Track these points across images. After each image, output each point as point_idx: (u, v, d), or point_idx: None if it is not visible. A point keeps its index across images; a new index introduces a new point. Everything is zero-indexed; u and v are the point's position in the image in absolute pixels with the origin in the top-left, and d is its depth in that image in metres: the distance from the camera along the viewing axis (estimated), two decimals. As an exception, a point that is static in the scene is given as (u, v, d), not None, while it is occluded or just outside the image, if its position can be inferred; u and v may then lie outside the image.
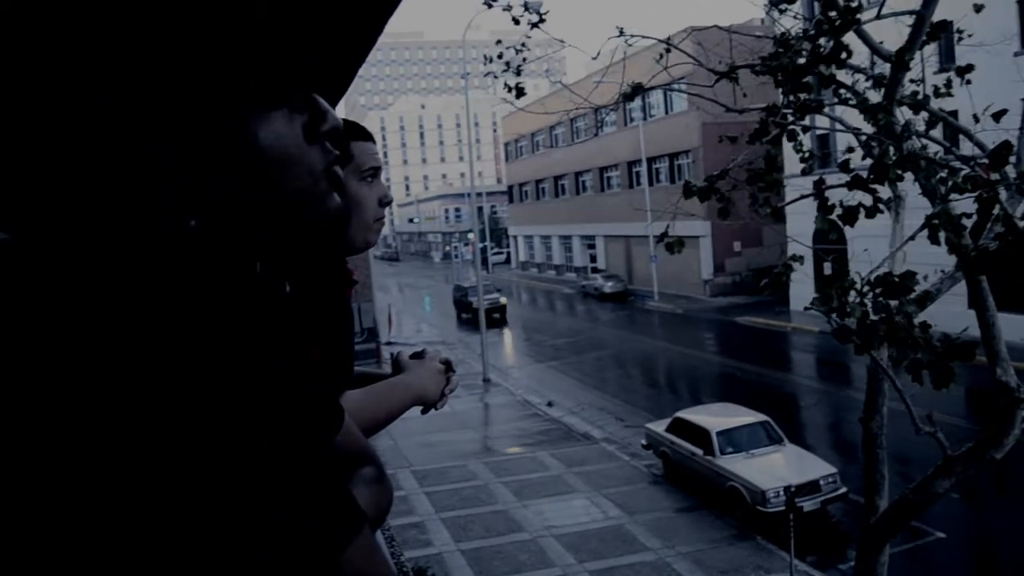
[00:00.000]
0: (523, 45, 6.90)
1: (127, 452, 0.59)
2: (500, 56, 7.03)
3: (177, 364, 0.62)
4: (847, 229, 5.38)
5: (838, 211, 5.26)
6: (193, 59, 0.69)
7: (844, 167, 5.15)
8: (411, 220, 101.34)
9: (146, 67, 0.67)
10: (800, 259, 5.42)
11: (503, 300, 38.47)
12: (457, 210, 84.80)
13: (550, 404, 22.06)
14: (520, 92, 7.00)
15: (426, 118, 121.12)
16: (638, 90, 6.52)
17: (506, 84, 6.87)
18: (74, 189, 0.68)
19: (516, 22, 6.68)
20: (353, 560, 0.68)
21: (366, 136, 1.67)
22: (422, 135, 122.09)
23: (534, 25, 6.61)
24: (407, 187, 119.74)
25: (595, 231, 47.50)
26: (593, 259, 48.32)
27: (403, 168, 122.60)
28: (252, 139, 0.73)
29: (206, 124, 0.70)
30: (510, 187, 62.15)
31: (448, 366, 1.76)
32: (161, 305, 0.64)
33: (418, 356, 1.78)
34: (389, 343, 35.28)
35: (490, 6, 6.71)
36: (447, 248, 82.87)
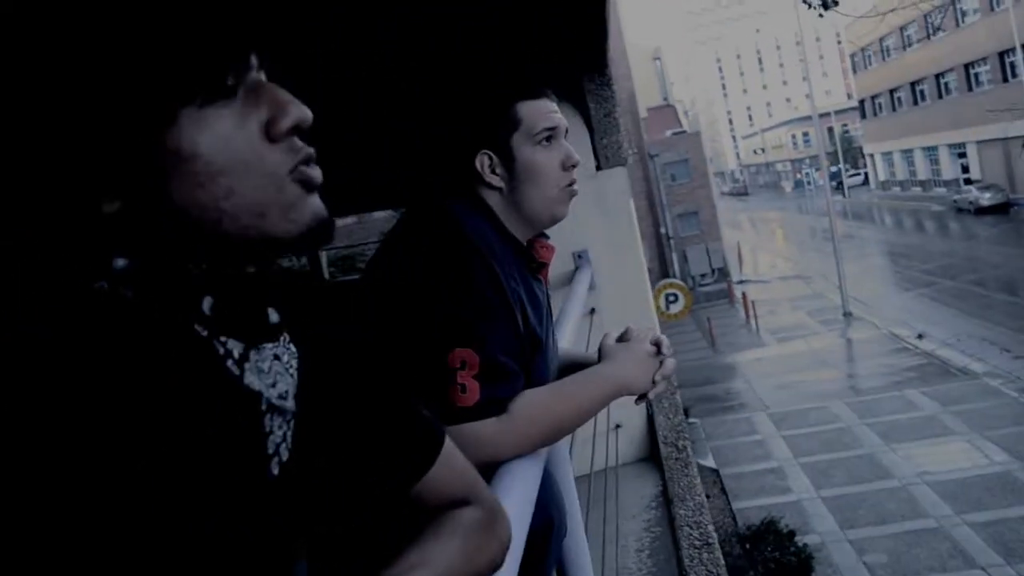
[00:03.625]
0: None
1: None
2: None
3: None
4: None
5: None
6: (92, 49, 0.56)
7: None
8: (756, 151, 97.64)
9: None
10: None
11: None
12: (805, 134, 79.95)
13: (921, 336, 20.04)
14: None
15: (762, 42, 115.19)
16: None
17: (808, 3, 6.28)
18: None
19: None
20: None
21: (536, 94, 1.48)
22: (760, 60, 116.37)
23: None
24: (749, 117, 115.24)
25: (965, 137, 42.12)
26: (965, 169, 43.02)
27: (743, 98, 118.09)
28: (187, 146, 0.60)
29: (120, 134, 0.58)
30: (861, 101, 57.21)
31: (659, 348, 1.52)
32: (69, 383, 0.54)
33: (625, 338, 1.54)
34: (741, 282, 34.49)
35: None
36: (797, 176, 78.88)
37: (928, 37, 42.04)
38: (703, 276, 37.16)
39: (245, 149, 0.63)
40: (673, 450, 4.54)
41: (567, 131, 1.53)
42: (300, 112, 0.66)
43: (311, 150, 0.67)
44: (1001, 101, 33.90)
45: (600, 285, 4.53)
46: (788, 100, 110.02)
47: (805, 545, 9.57)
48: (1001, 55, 36.93)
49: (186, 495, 0.58)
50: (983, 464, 12.32)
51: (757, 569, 9.19)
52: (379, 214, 9.20)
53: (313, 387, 0.73)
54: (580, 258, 4.48)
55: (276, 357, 0.70)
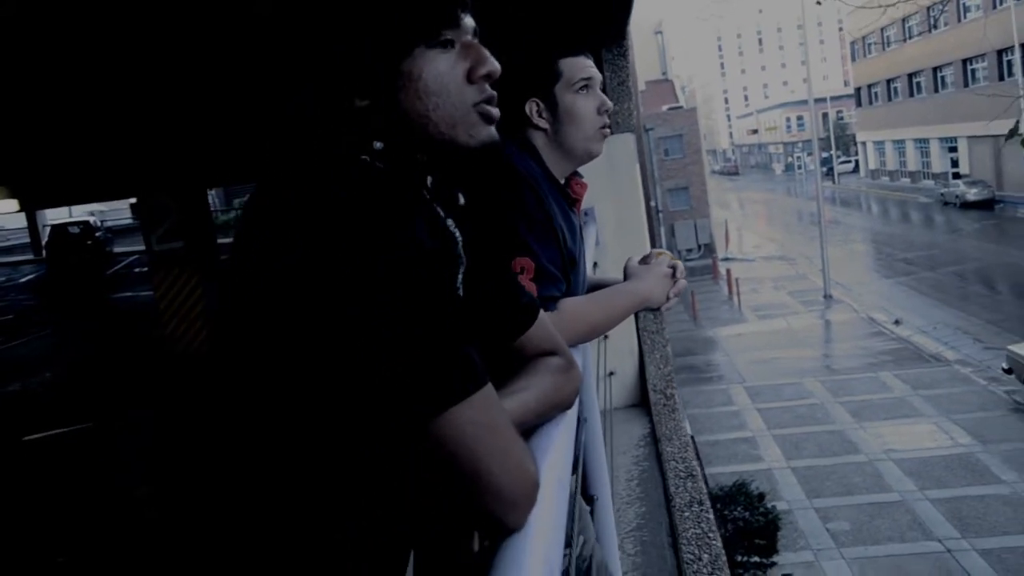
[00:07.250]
0: None
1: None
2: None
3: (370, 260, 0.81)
4: None
5: None
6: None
7: None
8: (749, 132, 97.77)
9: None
10: None
11: None
12: (799, 118, 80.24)
13: (897, 322, 20.62)
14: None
15: (763, 23, 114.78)
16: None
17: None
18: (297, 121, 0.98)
19: None
20: (467, 413, 0.81)
21: (575, 51, 1.85)
22: (760, 41, 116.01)
23: None
24: (745, 98, 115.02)
25: (957, 132, 42.43)
26: (955, 164, 43.41)
27: (741, 78, 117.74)
28: (416, 72, 0.96)
29: (383, 62, 0.95)
30: (857, 89, 57.42)
31: (675, 271, 1.90)
32: (357, 215, 0.84)
33: (646, 261, 1.93)
34: (726, 259, 34.89)
35: None
36: (789, 159, 79.18)
37: (929, 30, 42.16)
38: (689, 251, 37.54)
39: (451, 82, 0.98)
40: (662, 397, 4.90)
41: (603, 84, 1.89)
42: (492, 66, 1.00)
43: (493, 92, 1.02)
44: (997, 98, 34.14)
45: (604, 242, 4.86)
46: (785, 83, 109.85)
47: (773, 506, 10.03)
48: (1000, 52, 37.20)
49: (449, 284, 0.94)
50: (947, 445, 12.85)
51: (727, 528, 9.63)
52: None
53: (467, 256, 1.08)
54: (587, 215, 4.78)
55: (455, 228, 1.04)
